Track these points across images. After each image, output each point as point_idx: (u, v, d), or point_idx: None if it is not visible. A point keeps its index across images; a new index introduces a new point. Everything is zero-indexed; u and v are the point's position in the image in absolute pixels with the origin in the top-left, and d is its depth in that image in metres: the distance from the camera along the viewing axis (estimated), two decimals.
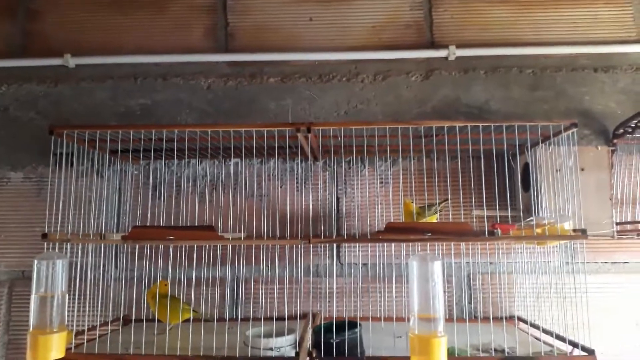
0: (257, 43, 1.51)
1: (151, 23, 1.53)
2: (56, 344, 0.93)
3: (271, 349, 0.99)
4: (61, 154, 1.12)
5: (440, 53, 1.45)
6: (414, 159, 1.39)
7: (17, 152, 1.46)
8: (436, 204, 1.20)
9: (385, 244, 1.33)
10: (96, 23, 1.53)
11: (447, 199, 1.25)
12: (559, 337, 1.06)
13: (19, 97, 1.49)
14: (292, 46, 1.50)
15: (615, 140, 1.35)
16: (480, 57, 1.46)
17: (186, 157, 1.39)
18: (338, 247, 1.38)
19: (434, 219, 1.18)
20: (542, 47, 1.45)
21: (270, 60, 1.48)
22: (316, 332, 1.01)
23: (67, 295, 0.98)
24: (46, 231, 1.06)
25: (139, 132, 1.11)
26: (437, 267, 0.90)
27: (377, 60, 1.48)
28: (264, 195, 1.40)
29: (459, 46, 1.45)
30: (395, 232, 1.03)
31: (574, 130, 1.06)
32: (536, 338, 1.11)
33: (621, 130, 1.32)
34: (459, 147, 1.22)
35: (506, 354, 1.00)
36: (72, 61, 1.48)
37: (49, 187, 1.22)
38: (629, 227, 1.27)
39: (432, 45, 1.48)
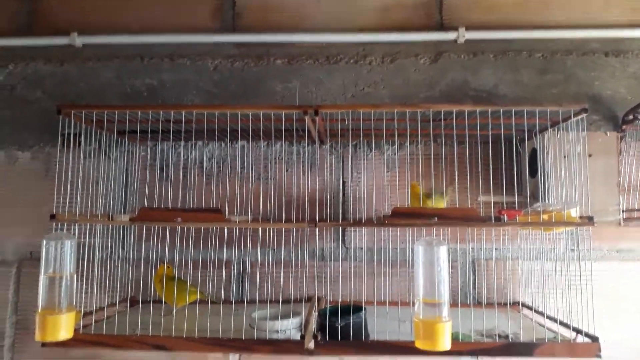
0: (264, 23, 1.49)
1: (158, 2, 1.51)
2: (65, 325, 0.94)
3: (277, 331, 1.00)
4: (69, 134, 1.12)
5: (450, 36, 1.43)
6: (421, 143, 1.39)
7: (24, 131, 1.46)
8: (443, 191, 1.20)
9: (390, 229, 1.33)
10: (103, 1, 1.51)
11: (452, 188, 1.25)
12: (563, 324, 1.07)
13: (25, 76, 1.49)
14: (300, 27, 1.48)
15: (624, 127, 1.33)
16: (489, 40, 1.44)
17: (193, 138, 1.39)
18: (343, 231, 1.39)
19: (441, 204, 1.18)
20: (552, 31, 1.43)
21: (277, 42, 1.47)
22: (321, 315, 1.03)
23: (75, 276, 0.99)
24: (54, 212, 1.07)
25: (146, 112, 1.11)
26: (442, 252, 0.91)
27: (385, 42, 1.46)
28: (270, 178, 1.40)
29: (468, 29, 1.42)
30: (401, 217, 1.03)
31: (584, 115, 1.05)
32: (540, 324, 1.11)
33: (631, 117, 1.31)
34: (467, 132, 1.21)
35: (510, 340, 1.01)
36: (78, 40, 1.47)
37: (57, 168, 1.22)
38: (635, 214, 1.27)
39: (441, 27, 1.46)
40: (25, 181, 1.44)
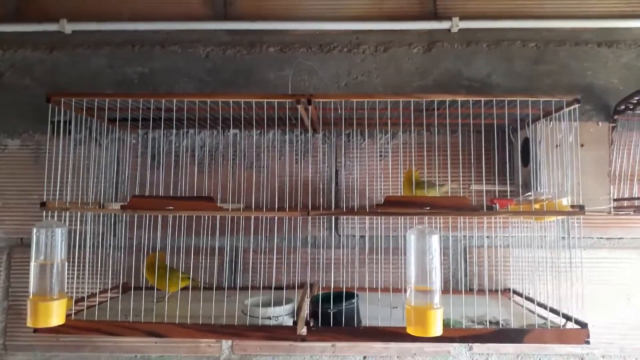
0: (256, 11, 1.48)
1: None
2: (56, 311, 0.94)
3: (269, 318, 1.00)
4: (58, 121, 1.11)
5: (443, 25, 1.43)
6: (414, 132, 1.39)
7: (13, 119, 1.45)
8: (436, 184, 1.20)
9: (383, 217, 1.33)
10: None
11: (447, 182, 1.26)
12: (553, 310, 1.08)
13: (14, 63, 1.47)
14: (293, 15, 1.47)
15: (616, 117, 1.34)
16: (483, 29, 1.44)
17: (185, 126, 1.38)
18: (336, 219, 1.39)
19: (434, 192, 1.19)
20: (546, 21, 1.43)
21: (270, 29, 1.46)
22: (314, 302, 1.03)
23: (66, 263, 0.98)
24: (44, 199, 1.06)
25: (137, 101, 1.09)
26: (434, 240, 0.91)
27: (379, 30, 1.45)
28: (263, 167, 1.40)
29: (462, 18, 1.42)
30: (393, 205, 1.03)
31: (576, 106, 1.06)
32: (530, 311, 1.12)
33: (623, 107, 1.31)
34: (459, 121, 1.21)
35: (500, 326, 1.02)
36: (68, 27, 1.45)
37: (46, 155, 1.21)
38: (625, 203, 1.28)
39: (435, 16, 1.45)
40: (15, 168, 1.43)
